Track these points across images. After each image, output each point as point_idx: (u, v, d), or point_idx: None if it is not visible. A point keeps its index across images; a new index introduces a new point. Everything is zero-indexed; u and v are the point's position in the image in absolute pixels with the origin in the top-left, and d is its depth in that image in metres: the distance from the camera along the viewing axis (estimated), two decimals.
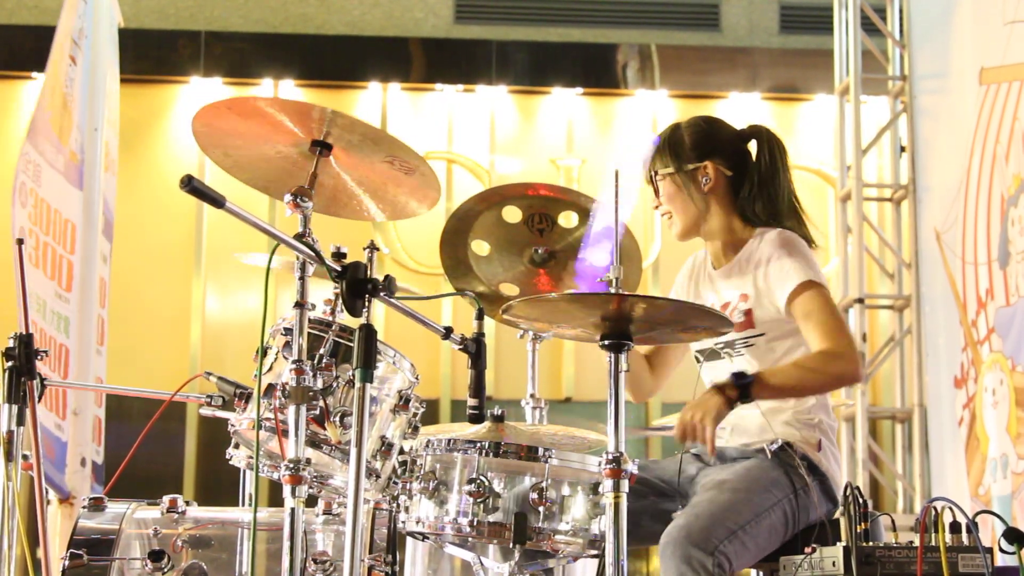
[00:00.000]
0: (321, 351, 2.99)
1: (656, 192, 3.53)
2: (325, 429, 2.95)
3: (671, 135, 3.53)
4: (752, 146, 3.57)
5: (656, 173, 3.51)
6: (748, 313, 3.39)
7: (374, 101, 9.17)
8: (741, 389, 3.19)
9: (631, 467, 2.80)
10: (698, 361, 3.53)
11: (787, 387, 3.27)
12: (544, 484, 2.92)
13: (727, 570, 3.07)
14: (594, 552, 2.98)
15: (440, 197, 3.24)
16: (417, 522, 3.00)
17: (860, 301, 7.19)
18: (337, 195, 3.20)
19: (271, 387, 2.97)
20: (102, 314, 5.88)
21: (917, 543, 2.92)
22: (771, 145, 3.54)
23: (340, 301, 2.93)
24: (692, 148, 3.50)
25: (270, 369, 3.07)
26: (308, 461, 2.85)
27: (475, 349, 3.21)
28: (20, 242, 3.36)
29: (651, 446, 8.84)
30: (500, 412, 3.23)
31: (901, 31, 7.51)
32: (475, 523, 2.92)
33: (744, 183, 3.51)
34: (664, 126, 3.62)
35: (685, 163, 3.48)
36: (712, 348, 3.46)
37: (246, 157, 3.13)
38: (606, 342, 2.85)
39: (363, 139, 3.06)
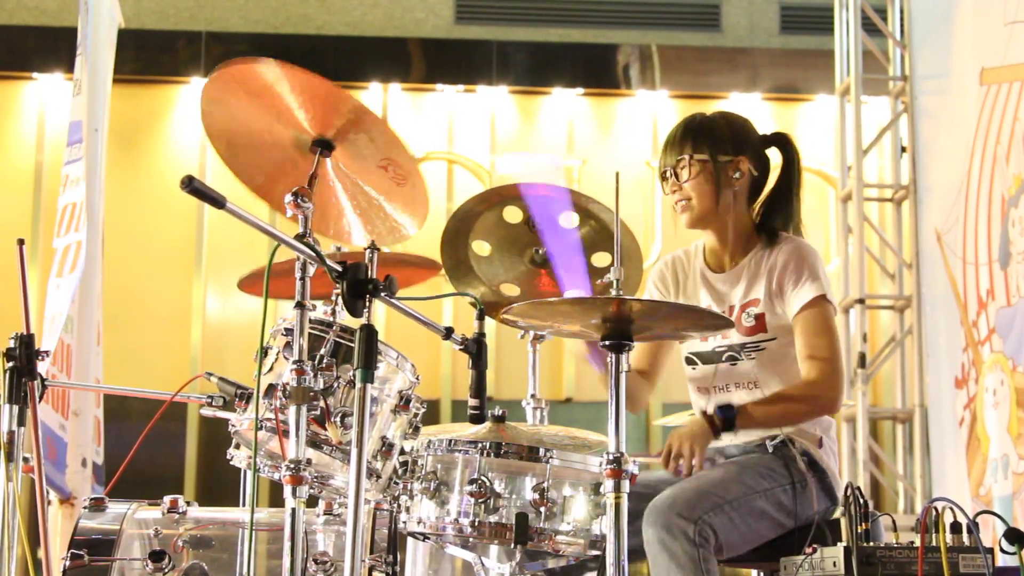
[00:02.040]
0: (322, 351, 2.99)
1: (676, 177, 3.49)
2: (326, 429, 2.95)
3: (706, 122, 3.50)
4: (772, 152, 3.56)
5: (685, 157, 3.46)
6: (760, 318, 3.39)
7: (375, 101, 9.16)
8: (725, 421, 3.25)
9: (632, 467, 2.80)
10: (692, 364, 3.52)
11: (770, 420, 3.34)
12: (545, 484, 2.92)
13: (711, 541, 3.07)
14: (595, 552, 2.98)
15: (427, 215, 3.22)
16: (418, 522, 3.00)
17: (861, 301, 7.19)
18: (327, 211, 3.19)
19: (272, 387, 2.97)
20: (98, 315, 5.88)
21: (918, 543, 2.92)
22: (795, 155, 3.54)
23: (340, 301, 2.93)
24: (729, 140, 3.48)
25: (271, 369, 3.07)
26: (309, 461, 2.85)
27: (476, 349, 3.21)
28: (21, 242, 3.35)
29: (651, 447, 8.83)
30: (501, 412, 3.23)
31: (902, 31, 7.51)
32: (476, 523, 2.92)
33: (762, 188, 3.51)
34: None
35: (720, 153, 3.47)
36: (713, 350, 3.45)
37: (247, 148, 3.11)
38: (607, 342, 2.86)
39: (364, 136, 3.05)
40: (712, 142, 3.46)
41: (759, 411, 3.30)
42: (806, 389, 3.32)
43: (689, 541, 3.04)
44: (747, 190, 3.50)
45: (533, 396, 3.87)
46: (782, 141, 3.56)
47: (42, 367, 3.29)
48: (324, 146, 3.06)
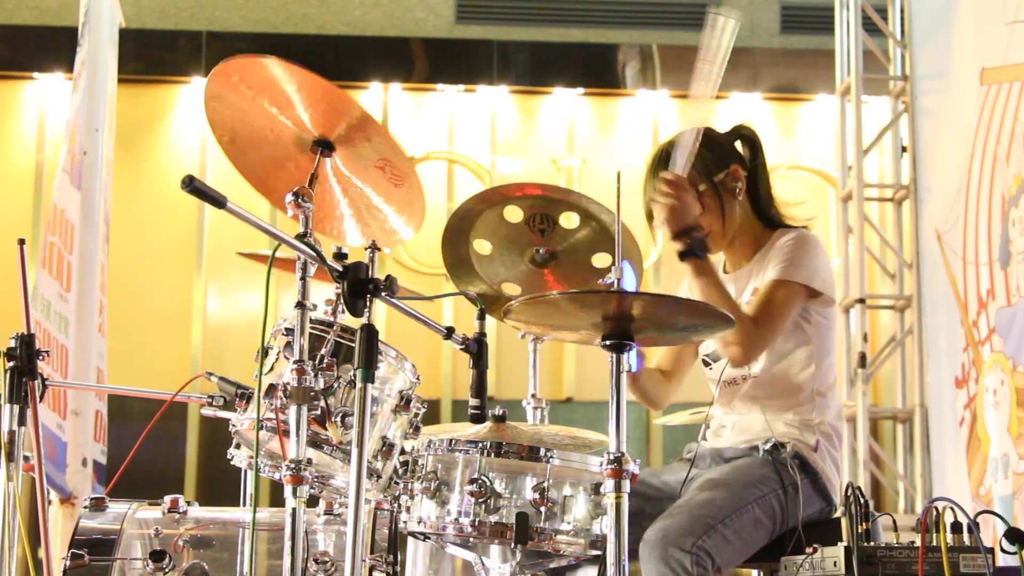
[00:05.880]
0: (322, 351, 3.00)
1: None
2: (326, 429, 2.95)
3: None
4: (738, 145, 3.55)
5: None
6: None
7: (375, 101, 9.17)
8: (685, 248, 3.29)
9: (632, 467, 2.80)
10: (707, 365, 3.52)
11: (702, 293, 3.29)
12: (546, 484, 2.92)
13: (709, 567, 3.06)
14: (595, 552, 2.98)
15: (423, 219, 3.23)
16: (418, 522, 3.00)
17: (861, 301, 7.19)
18: (326, 210, 3.19)
19: (272, 387, 2.97)
20: (102, 300, 5.89)
21: (918, 543, 2.92)
22: (759, 141, 3.53)
23: (341, 301, 2.93)
24: (714, 156, 3.46)
25: (271, 369, 3.07)
26: (309, 461, 2.85)
27: (476, 349, 3.22)
28: (21, 242, 3.35)
29: (652, 447, 8.84)
30: (502, 412, 3.23)
31: (902, 31, 7.51)
32: (477, 523, 2.92)
33: (756, 182, 3.50)
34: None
35: (715, 173, 3.45)
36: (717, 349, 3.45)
37: (250, 142, 3.13)
38: (608, 342, 2.85)
39: (363, 137, 3.06)
40: (705, 167, 3.44)
41: (710, 285, 3.28)
42: (742, 325, 3.21)
43: (688, 573, 3.03)
44: (746, 192, 3.50)
45: (533, 396, 3.87)
46: (744, 132, 3.54)
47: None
48: (324, 146, 3.06)
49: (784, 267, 3.33)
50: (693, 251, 3.27)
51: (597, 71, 9.34)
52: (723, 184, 3.45)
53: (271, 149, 3.13)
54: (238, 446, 3.25)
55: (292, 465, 2.82)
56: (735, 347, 3.27)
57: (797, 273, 3.32)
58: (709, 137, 3.49)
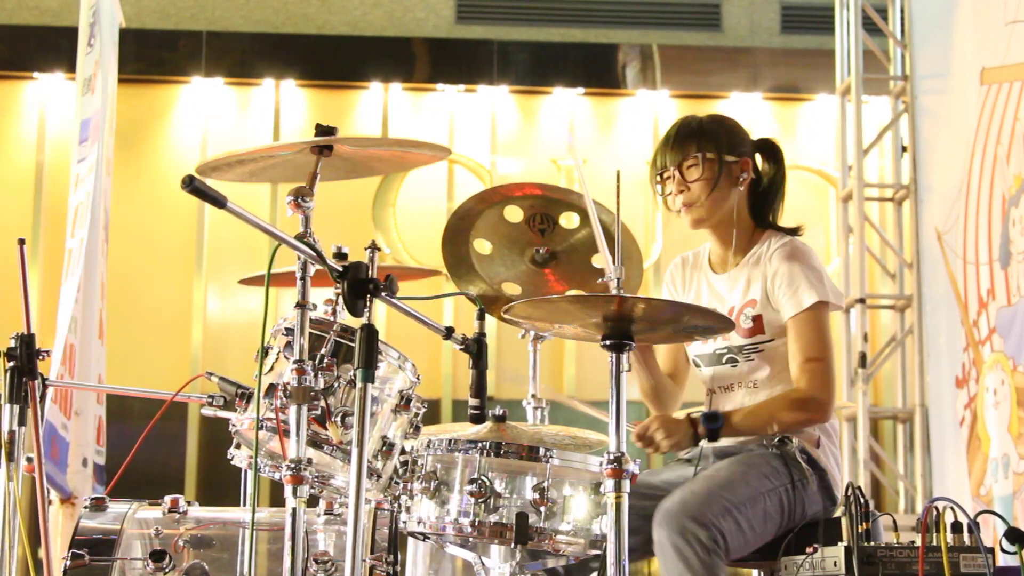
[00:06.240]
0: (322, 351, 2.99)
1: (682, 176, 3.47)
2: (326, 429, 2.95)
3: (709, 123, 3.50)
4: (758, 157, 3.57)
5: (696, 156, 3.44)
6: (757, 319, 3.39)
7: (375, 101, 9.17)
8: (710, 432, 3.28)
9: (632, 467, 2.80)
10: (697, 366, 3.53)
11: (756, 430, 3.33)
12: (545, 484, 2.92)
13: (721, 545, 3.07)
14: (595, 552, 2.98)
15: (448, 153, 3.28)
16: (418, 522, 3.00)
17: (862, 301, 7.19)
18: (350, 165, 3.23)
19: (272, 387, 2.97)
20: (101, 307, 5.90)
21: (919, 543, 2.92)
22: (783, 159, 3.55)
23: (341, 301, 2.93)
24: (733, 142, 3.49)
25: (271, 369, 3.07)
26: (309, 461, 2.85)
27: (476, 349, 3.22)
28: (21, 242, 3.35)
29: None
30: (502, 412, 3.23)
31: (902, 31, 7.51)
32: (476, 523, 2.92)
33: (761, 189, 3.51)
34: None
35: (728, 153, 3.47)
36: (714, 352, 3.45)
37: (252, 171, 3.17)
38: (607, 342, 2.86)
39: (365, 140, 3.08)
40: (718, 142, 3.46)
41: (747, 421, 3.31)
42: (796, 396, 3.31)
43: (703, 547, 3.04)
44: (748, 191, 3.50)
45: (533, 396, 3.87)
46: (771, 147, 3.56)
47: (51, 369, 3.29)
48: (323, 146, 3.07)
49: (805, 295, 3.33)
50: (714, 434, 3.30)
51: (597, 71, 9.34)
52: (728, 167, 3.45)
53: (272, 172, 3.17)
54: (238, 446, 3.25)
55: (292, 465, 2.82)
56: (813, 408, 3.31)
57: (814, 294, 3.34)
58: (732, 127, 3.53)
